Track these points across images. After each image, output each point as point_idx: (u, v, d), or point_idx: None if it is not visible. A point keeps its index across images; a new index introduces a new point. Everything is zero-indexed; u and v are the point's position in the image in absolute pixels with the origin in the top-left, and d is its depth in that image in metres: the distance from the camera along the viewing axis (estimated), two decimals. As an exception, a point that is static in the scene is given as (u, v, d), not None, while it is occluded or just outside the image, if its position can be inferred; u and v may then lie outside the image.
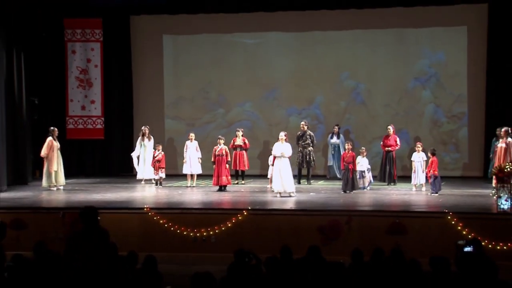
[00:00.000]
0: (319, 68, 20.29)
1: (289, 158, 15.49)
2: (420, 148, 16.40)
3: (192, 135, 17.79)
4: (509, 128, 16.18)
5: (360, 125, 20.04)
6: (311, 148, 17.94)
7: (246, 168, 18.23)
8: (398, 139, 17.74)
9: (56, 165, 16.93)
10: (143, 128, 18.52)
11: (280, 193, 15.25)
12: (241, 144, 18.00)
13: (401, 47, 19.97)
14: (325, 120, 20.26)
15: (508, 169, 12.84)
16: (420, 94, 19.89)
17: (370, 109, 20.13)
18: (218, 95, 20.87)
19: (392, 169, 17.48)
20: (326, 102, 20.40)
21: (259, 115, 20.61)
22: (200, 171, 17.70)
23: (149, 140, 18.39)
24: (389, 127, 17.76)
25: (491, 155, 16.88)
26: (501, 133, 15.92)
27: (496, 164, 14.52)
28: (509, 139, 15.71)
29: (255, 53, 20.64)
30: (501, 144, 15.75)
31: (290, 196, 15.23)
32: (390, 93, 19.99)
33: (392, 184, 17.48)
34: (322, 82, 20.32)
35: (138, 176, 18.47)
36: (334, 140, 18.89)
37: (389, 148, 17.53)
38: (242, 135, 18.11)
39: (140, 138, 18.54)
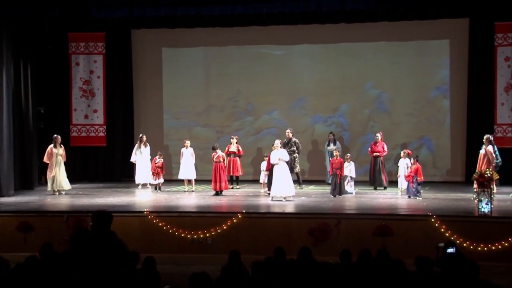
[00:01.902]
0: (344, 78, 20.20)
1: (287, 162, 15.49)
2: (406, 154, 16.41)
3: (187, 142, 17.69)
4: (490, 136, 16.23)
5: (383, 132, 19.68)
6: (296, 155, 17.83)
7: (240, 173, 18.20)
8: (385, 146, 17.74)
9: (54, 171, 16.93)
10: (141, 135, 18.54)
11: (284, 197, 15.18)
12: (235, 151, 17.98)
13: (422, 58, 19.80)
14: (350, 127, 20.22)
15: (488, 175, 12.87)
16: (441, 103, 19.78)
17: (393, 117, 20.01)
18: (247, 104, 20.78)
19: (382, 174, 17.46)
20: (351, 110, 20.29)
21: (286, 122, 20.25)
22: (195, 176, 17.65)
23: (145, 147, 18.40)
24: (378, 134, 17.78)
25: None
26: (483, 140, 15.98)
27: (477, 170, 14.55)
28: (489, 146, 15.73)
29: (283, 64, 20.53)
30: (482, 151, 15.79)
31: (289, 200, 15.15)
32: (413, 102, 19.86)
33: (382, 188, 17.45)
34: (347, 92, 20.21)
35: (137, 181, 18.45)
36: (331, 147, 18.83)
37: (378, 154, 17.52)
38: (236, 143, 18.08)
39: (137, 145, 18.55)
